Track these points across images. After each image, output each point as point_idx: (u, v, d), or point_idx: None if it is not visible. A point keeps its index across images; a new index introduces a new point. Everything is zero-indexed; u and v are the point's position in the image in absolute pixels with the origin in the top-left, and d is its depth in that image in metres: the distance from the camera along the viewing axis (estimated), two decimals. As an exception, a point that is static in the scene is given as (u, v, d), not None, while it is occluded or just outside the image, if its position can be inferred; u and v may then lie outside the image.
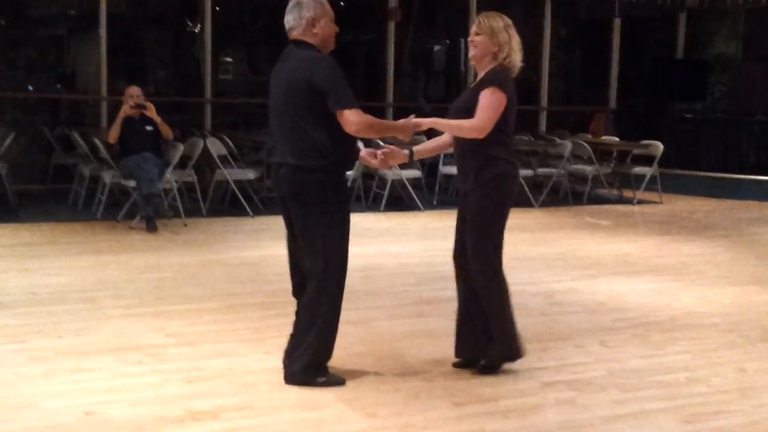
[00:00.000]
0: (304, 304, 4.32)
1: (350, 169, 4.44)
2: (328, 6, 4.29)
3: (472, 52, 4.50)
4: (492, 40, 4.41)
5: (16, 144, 9.54)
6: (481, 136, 4.31)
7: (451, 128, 4.46)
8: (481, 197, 4.39)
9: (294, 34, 4.26)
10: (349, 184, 4.62)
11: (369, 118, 4.15)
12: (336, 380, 4.29)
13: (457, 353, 4.61)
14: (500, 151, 4.40)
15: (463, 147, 4.45)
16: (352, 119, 4.08)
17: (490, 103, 4.30)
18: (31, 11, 12.81)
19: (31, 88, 13.09)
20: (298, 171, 4.15)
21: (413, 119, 4.37)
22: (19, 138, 9.40)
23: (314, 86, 4.08)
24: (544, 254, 7.86)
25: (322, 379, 4.26)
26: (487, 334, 4.50)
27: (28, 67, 12.92)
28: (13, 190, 9.59)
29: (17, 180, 9.75)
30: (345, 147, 4.21)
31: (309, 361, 4.24)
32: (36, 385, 4.20)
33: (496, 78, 4.37)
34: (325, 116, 4.10)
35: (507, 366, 4.60)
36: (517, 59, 4.47)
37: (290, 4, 4.27)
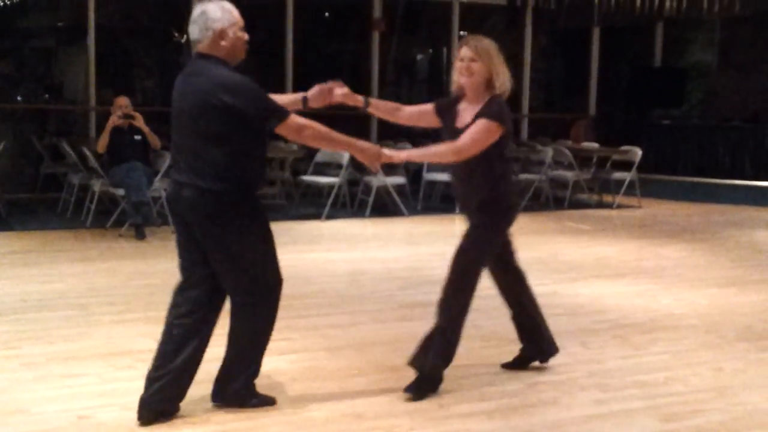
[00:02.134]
0: (234, 327, 4.02)
1: (257, 190, 3.98)
2: (236, 13, 3.88)
3: (467, 80, 4.27)
4: (489, 67, 4.24)
5: (5, 154, 9.56)
6: (459, 159, 4.18)
7: (429, 157, 4.39)
8: (484, 222, 4.35)
9: (200, 47, 3.84)
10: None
11: (319, 126, 3.90)
12: (268, 400, 4.12)
13: (528, 352, 4.73)
14: (506, 180, 4.35)
15: (470, 170, 4.28)
16: (298, 122, 3.82)
17: (480, 134, 4.15)
18: (19, 23, 12.83)
19: (19, 98, 13.12)
20: (205, 194, 3.78)
21: (383, 150, 4.13)
22: (8, 148, 9.43)
23: (240, 112, 3.71)
24: (525, 258, 7.73)
25: (254, 400, 4.08)
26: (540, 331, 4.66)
27: (17, 77, 12.96)
28: (3, 199, 9.64)
29: (7, 189, 9.79)
30: (254, 169, 3.89)
31: (249, 380, 4.06)
32: (28, 390, 4.23)
33: (498, 112, 4.21)
34: (237, 139, 3.77)
35: (491, 368, 4.70)
36: (509, 85, 4.31)
37: (194, 13, 3.83)
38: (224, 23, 3.81)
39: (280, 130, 3.85)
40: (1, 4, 12.43)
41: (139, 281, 6.63)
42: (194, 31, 3.83)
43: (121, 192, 8.59)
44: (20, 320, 5.47)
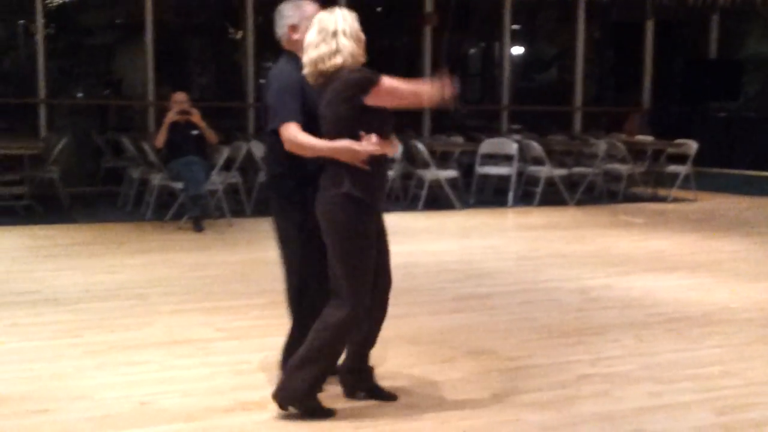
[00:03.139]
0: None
1: (305, 184, 3.94)
2: (309, 8, 3.97)
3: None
4: None
5: (67, 148, 9.81)
6: None
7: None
8: None
9: (283, 44, 4.04)
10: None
11: (299, 137, 3.75)
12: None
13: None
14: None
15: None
16: (283, 135, 3.79)
17: None
18: (80, 20, 13.11)
19: (81, 94, 13.42)
20: (270, 180, 4.15)
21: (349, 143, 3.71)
22: (70, 143, 9.67)
23: (269, 108, 3.89)
24: (579, 251, 7.95)
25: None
26: None
27: (78, 74, 13.26)
28: (65, 192, 9.88)
29: (69, 183, 10.02)
30: (294, 163, 3.90)
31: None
32: (91, 377, 4.32)
33: None
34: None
35: (544, 360, 4.71)
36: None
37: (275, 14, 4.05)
38: (294, 19, 3.97)
39: (281, 132, 3.84)
40: (61, 1, 12.73)
41: (197, 272, 6.76)
42: (276, 30, 4.05)
43: (179, 185, 8.75)
44: (83, 310, 5.62)
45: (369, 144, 3.68)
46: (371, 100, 3.66)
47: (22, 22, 13.01)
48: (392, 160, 10.18)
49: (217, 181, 9.05)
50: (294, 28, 3.97)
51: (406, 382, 4.36)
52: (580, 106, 14.53)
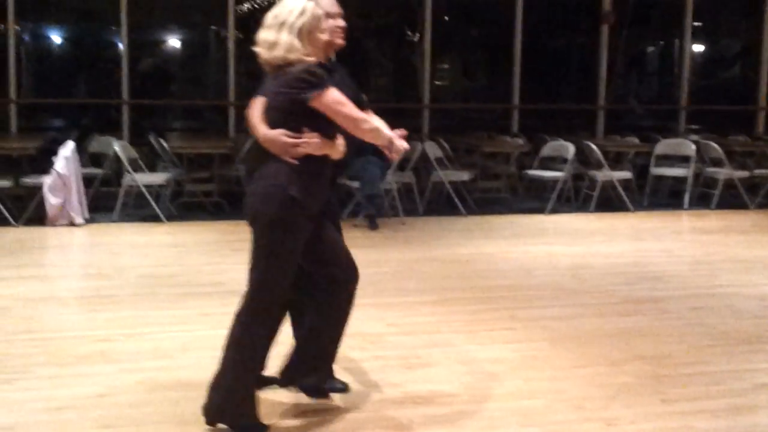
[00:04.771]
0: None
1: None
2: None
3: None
4: None
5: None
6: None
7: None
8: None
9: None
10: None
11: (250, 113, 3.71)
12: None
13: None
14: None
15: None
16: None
17: None
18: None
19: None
20: None
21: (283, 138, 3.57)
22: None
23: None
24: (758, 256, 7.66)
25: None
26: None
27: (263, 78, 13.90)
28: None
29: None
30: None
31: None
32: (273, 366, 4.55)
33: None
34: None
35: (718, 367, 4.62)
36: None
37: None
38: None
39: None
40: (250, 7, 13.35)
41: (371, 269, 6.91)
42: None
43: (356, 184, 9.06)
44: None
45: (306, 141, 3.54)
46: (315, 104, 3.52)
47: (213, 28, 13.79)
48: (564, 161, 10.13)
49: (392, 180, 9.30)
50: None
51: (573, 383, 4.38)
52: (765, 106, 13.86)
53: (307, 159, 3.56)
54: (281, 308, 3.86)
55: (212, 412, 3.66)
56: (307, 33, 3.58)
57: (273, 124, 3.58)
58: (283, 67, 3.56)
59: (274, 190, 3.54)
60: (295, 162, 3.53)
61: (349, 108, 3.59)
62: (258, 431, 3.69)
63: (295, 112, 3.54)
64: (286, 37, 3.55)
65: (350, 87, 3.91)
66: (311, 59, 3.58)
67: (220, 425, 3.68)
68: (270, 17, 3.62)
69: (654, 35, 15.70)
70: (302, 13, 3.59)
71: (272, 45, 3.57)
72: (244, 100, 12.62)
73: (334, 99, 3.54)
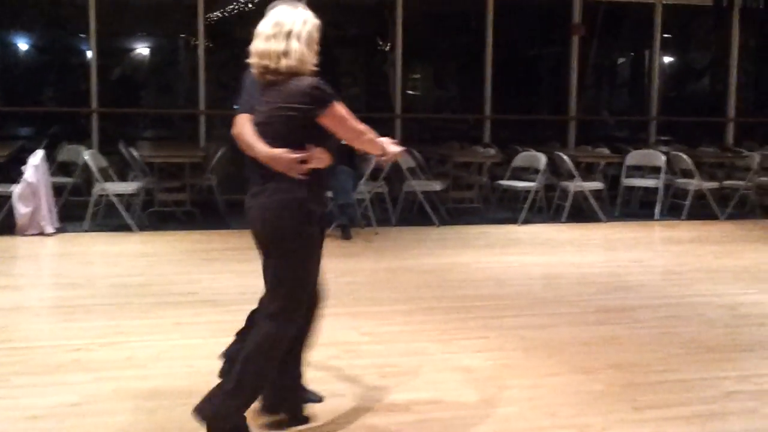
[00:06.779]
0: None
1: None
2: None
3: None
4: None
5: (225, 158, 10.27)
6: None
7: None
8: None
9: None
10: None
11: (245, 132, 3.62)
12: None
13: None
14: None
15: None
16: (235, 123, 3.74)
17: None
18: (236, 33, 13.68)
19: (236, 106, 14.01)
20: None
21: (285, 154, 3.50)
22: (227, 152, 10.12)
23: None
24: (728, 266, 7.75)
25: None
26: None
27: (233, 86, 13.86)
28: (222, 200, 10.39)
29: (225, 191, 10.47)
30: None
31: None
32: None
33: None
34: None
35: (689, 375, 4.66)
36: None
37: None
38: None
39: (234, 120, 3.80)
40: (219, 15, 13.33)
41: (345, 279, 6.97)
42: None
43: (328, 194, 9.04)
44: (240, 311, 5.79)
45: (312, 157, 3.50)
46: (325, 119, 3.49)
47: (183, 36, 13.73)
48: (536, 171, 10.19)
49: (364, 190, 9.31)
50: None
51: (546, 391, 4.41)
52: (734, 117, 14.06)
53: (315, 171, 3.53)
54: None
55: (209, 417, 3.59)
56: (311, 42, 3.55)
57: (272, 139, 3.51)
58: (284, 78, 3.50)
59: (293, 204, 3.51)
60: (305, 177, 3.50)
61: (354, 121, 3.57)
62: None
63: (302, 126, 3.49)
64: (297, 46, 3.48)
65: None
66: (315, 69, 3.55)
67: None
68: (270, 26, 3.54)
69: (624, 46, 15.87)
70: (305, 21, 3.55)
71: (282, 54, 3.48)
72: (215, 108, 12.86)
73: (343, 114, 3.52)
